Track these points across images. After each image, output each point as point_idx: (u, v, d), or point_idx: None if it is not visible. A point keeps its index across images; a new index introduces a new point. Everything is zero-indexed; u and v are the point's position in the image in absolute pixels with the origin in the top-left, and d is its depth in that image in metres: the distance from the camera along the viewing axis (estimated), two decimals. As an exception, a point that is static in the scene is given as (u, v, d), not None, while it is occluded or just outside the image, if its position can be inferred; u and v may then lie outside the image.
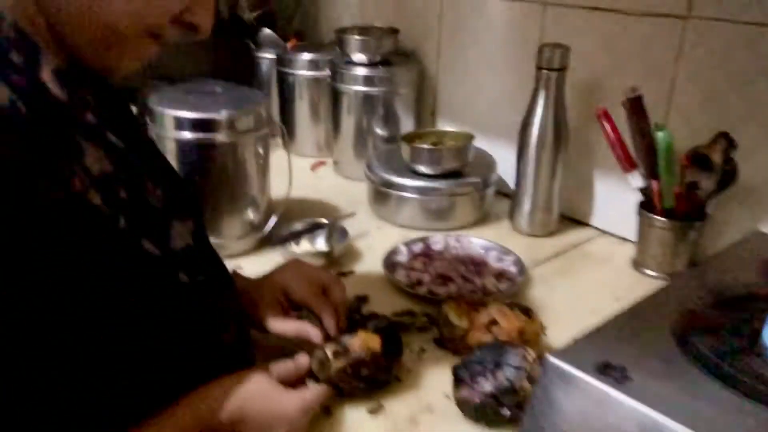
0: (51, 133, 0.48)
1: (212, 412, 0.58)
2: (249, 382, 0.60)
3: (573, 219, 1.19)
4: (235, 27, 1.59)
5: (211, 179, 0.99)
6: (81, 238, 0.48)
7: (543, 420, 0.58)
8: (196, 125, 0.96)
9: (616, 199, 1.12)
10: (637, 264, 1.04)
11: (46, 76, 0.50)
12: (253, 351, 0.72)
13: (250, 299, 0.74)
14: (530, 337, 0.78)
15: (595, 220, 1.17)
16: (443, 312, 0.81)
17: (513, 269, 0.98)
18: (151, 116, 0.98)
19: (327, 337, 0.73)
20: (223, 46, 1.64)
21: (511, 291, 0.93)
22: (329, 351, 0.70)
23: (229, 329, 0.65)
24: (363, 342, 0.71)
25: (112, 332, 0.50)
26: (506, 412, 0.67)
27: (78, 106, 0.52)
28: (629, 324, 0.65)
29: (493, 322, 0.79)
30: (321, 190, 1.30)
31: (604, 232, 1.15)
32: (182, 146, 0.97)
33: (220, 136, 0.97)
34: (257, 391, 0.60)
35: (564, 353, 0.59)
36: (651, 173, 0.98)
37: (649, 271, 1.02)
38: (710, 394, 0.54)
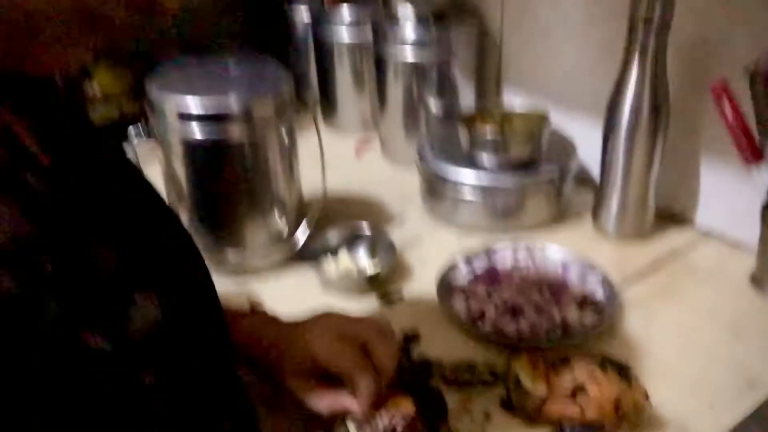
0: None
1: None
2: None
3: (670, 215, 0.96)
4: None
5: (225, 183, 0.82)
6: None
7: None
8: (203, 119, 0.78)
9: (729, 194, 0.89)
10: (758, 281, 0.82)
11: None
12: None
13: (275, 355, 0.61)
14: (629, 409, 0.59)
15: (700, 219, 0.94)
16: (513, 372, 0.62)
17: (600, 293, 0.78)
18: (152, 108, 0.81)
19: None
20: (254, 6, 1.44)
21: (600, 327, 0.73)
22: (351, 426, 0.56)
23: (224, 426, 0.48)
24: (392, 406, 0.56)
25: None
26: None
27: None
28: None
29: (580, 388, 0.60)
30: (365, 180, 1.10)
31: (710, 235, 0.93)
32: (187, 145, 0.80)
33: (233, 131, 0.79)
34: None
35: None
36: (786, 169, 0.75)
37: (775, 294, 0.80)
38: None
